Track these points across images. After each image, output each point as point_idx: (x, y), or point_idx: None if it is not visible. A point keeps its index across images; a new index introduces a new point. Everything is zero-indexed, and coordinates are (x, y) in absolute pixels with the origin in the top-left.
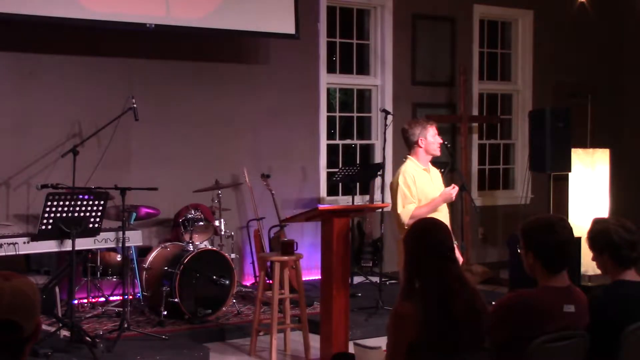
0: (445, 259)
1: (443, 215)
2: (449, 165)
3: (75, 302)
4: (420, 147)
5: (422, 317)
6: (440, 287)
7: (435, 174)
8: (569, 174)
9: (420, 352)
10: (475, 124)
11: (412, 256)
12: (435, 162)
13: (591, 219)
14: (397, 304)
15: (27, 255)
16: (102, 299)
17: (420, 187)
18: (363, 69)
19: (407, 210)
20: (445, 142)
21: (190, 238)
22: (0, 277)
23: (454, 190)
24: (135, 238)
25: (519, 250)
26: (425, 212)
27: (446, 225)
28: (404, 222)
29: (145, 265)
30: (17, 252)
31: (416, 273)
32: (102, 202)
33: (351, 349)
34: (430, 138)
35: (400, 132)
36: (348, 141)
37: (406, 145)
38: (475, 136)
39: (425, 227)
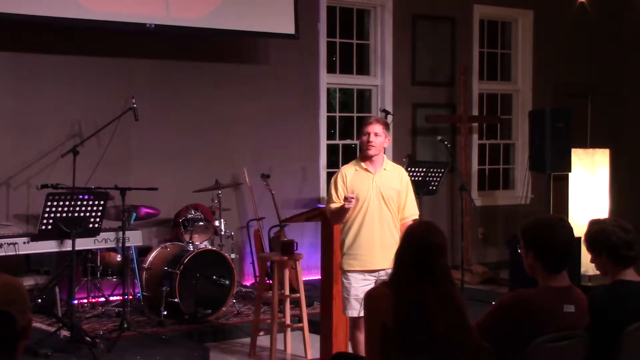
0: (430, 272)
1: (370, 230)
2: (449, 165)
3: (75, 302)
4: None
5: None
6: (420, 307)
7: (388, 175)
8: (569, 174)
9: (395, 339)
10: (475, 124)
11: (401, 256)
12: (436, 162)
13: (588, 220)
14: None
15: (27, 255)
16: (102, 299)
17: (350, 187)
18: (363, 69)
19: (328, 208)
20: (445, 142)
21: (190, 238)
22: None
23: (348, 200)
24: (135, 238)
25: (519, 250)
26: (336, 217)
27: (442, 234)
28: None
29: (145, 265)
30: (17, 252)
31: (402, 273)
32: (102, 202)
33: (351, 349)
34: (362, 136)
35: None
36: (348, 141)
37: None
38: (475, 136)
39: (420, 228)
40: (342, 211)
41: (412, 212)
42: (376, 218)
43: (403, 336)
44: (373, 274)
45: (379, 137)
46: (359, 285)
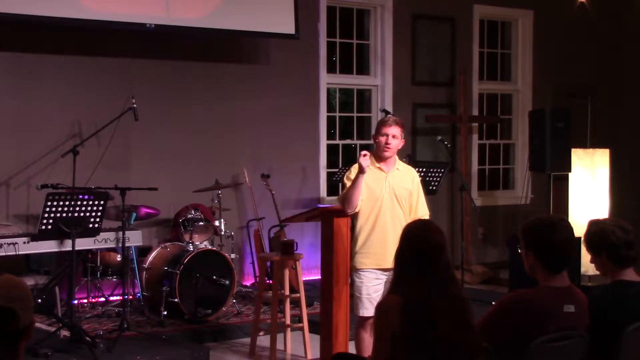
0: (431, 271)
1: (383, 228)
2: (449, 165)
3: (75, 302)
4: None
5: (405, 310)
6: (426, 307)
7: (401, 175)
8: (569, 174)
9: (405, 345)
10: (475, 124)
11: (402, 256)
12: (436, 162)
13: (588, 220)
14: (383, 297)
15: (27, 255)
16: (102, 299)
17: (364, 183)
18: (363, 69)
19: (341, 196)
20: (445, 142)
21: (190, 238)
22: None
23: (362, 156)
24: (135, 238)
25: (519, 250)
26: (351, 192)
27: (441, 233)
28: (339, 204)
29: (145, 265)
30: (17, 252)
31: (405, 273)
32: (102, 202)
33: (351, 349)
34: (379, 137)
35: None
36: (348, 141)
37: None
38: (475, 136)
39: (418, 226)
40: (358, 180)
41: (423, 212)
42: (389, 217)
43: (409, 337)
44: (385, 273)
45: (396, 139)
46: (371, 284)
